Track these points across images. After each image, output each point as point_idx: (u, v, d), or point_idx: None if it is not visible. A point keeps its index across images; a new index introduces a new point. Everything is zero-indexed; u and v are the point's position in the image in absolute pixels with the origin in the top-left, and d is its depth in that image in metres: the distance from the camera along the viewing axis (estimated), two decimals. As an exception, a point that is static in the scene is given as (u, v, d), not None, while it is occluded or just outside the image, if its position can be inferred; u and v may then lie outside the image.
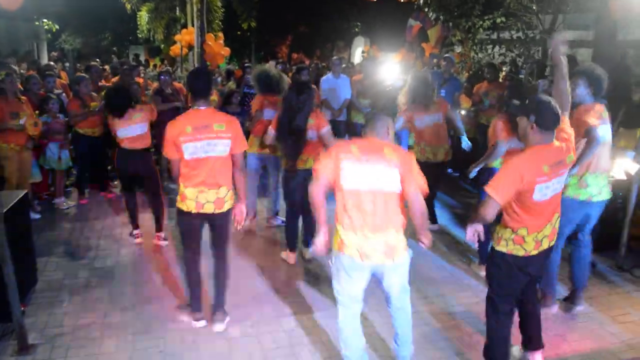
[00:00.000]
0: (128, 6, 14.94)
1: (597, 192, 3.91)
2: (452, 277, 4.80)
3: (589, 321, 4.07)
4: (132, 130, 5.22)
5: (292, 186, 4.90)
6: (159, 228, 5.46)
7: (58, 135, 6.27)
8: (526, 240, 3.05)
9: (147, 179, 5.34)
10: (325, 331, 3.84)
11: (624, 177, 5.13)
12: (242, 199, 3.87)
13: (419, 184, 3.04)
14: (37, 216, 6.01)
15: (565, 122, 3.26)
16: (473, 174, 4.69)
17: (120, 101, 5.20)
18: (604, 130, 3.84)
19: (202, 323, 3.87)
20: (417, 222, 3.11)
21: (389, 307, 3.32)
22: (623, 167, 5.17)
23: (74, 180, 7.04)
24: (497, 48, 9.90)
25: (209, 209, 3.67)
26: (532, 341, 3.45)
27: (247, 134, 6.46)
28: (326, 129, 4.79)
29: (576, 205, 3.90)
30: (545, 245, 3.12)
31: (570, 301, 4.21)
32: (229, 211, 3.80)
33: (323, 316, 4.02)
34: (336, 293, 3.25)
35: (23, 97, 5.79)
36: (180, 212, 3.74)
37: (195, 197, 3.64)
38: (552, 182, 2.96)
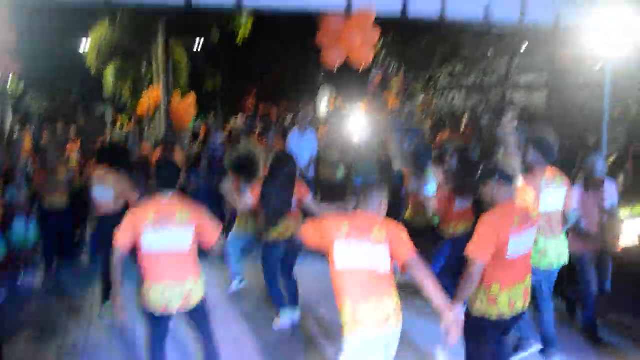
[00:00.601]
0: (93, 69, 14.95)
1: (556, 256, 4.07)
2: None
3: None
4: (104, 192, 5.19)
5: (275, 257, 4.92)
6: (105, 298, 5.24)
7: (20, 209, 6.15)
8: (499, 299, 3.14)
9: None
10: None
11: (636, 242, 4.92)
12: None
13: (409, 250, 3.03)
14: (0, 300, 5.78)
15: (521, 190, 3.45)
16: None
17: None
18: (551, 196, 4.01)
19: None
20: (431, 296, 2.97)
21: None
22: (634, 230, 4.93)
23: (41, 254, 6.85)
24: (457, 95, 10.22)
25: (173, 306, 3.47)
26: None
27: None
28: (309, 198, 4.81)
29: (539, 272, 4.02)
30: (519, 307, 3.23)
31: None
32: (199, 304, 3.62)
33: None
34: None
35: None
36: (146, 312, 3.56)
37: (161, 293, 3.44)
38: (524, 235, 3.15)
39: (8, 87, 20.50)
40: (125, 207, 5.19)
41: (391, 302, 3.02)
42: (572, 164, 5.85)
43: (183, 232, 3.50)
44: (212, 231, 3.65)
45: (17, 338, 4.93)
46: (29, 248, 6.34)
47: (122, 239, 3.47)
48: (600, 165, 4.52)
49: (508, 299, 3.16)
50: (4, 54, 4.59)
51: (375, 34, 5.37)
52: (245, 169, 5.30)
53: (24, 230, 6.18)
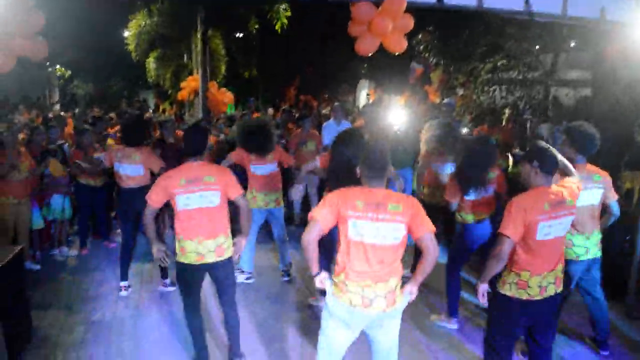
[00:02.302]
0: (134, 55, 15.26)
1: (584, 252, 3.94)
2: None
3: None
4: (130, 169, 5.30)
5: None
6: (163, 274, 5.49)
7: (62, 187, 6.32)
8: (530, 284, 3.16)
9: None
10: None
11: None
12: (244, 234, 3.93)
13: (429, 228, 2.92)
14: (37, 267, 6.01)
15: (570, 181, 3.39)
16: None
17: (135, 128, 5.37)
18: (586, 192, 3.82)
19: None
20: (422, 268, 2.93)
21: None
22: None
23: (76, 230, 7.05)
24: (498, 91, 9.95)
25: (210, 258, 3.75)
26: None
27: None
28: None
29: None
30: (550, 291, 3.22)
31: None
32: (229, 259, 3.87)
33: None
34: (324, 346, 3.12)
35: (22, 148, 5.87)
36: (181, 266, 3.79)
37: (195, 248, 3.71)
38: (554, 222, 3.12)
39: (57, 72, 21.23)
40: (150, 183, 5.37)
41: (396, 282, 2.96)
42: (618, 162, 5.62)
43: (210, 193, 3.72)
44: (236, 189, 3.84)
45: (46, 307, 5.06)
46: (64, 223, 6.53)
47: (154, 197, 3.73)
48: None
49: (539, 284, 3.17)
50: (33, 38, 4.66)
51: (408, 21, 5.24)
52: (254, 137, 5.26)
53: (61, 206, 6.34)
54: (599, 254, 4.04)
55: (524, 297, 3.18)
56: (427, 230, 2.88)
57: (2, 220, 5.63)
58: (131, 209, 5.29)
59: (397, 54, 5.72)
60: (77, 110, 14.53)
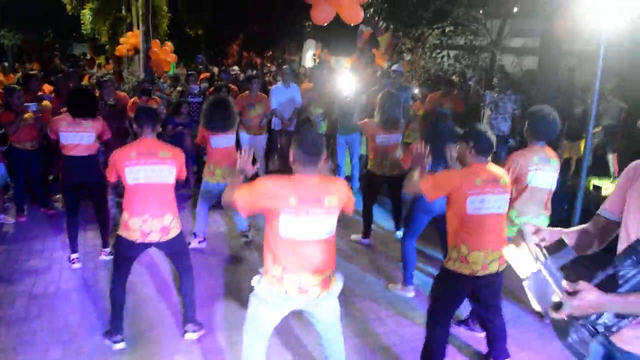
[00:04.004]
0: (69, 7, 14.32)
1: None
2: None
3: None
4: (79, 137, 5.11)
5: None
6: (104, 244, 5.34)
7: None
8: (469, 259, 3.26)
9: (94, 187, 5.20)
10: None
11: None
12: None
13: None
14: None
15: None
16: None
17: (84, 103, 5.11)
18: (544, 174, 3.99)
19: (121, 345, 3.83)
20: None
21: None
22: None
23: (11, 196, 6.68)
24: (445, 58, 10.03)
25: (154, 237, 3.72)
26: (498, 351, 3.64)
27: (196, 147, 6.37)
28: None
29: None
30: (493, 268, 3.31)
31: None
32: (177, 237, 3.84)
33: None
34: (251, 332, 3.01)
35: None
36: (122, 240, 3.72)
37: (140, 227, 3.65)
38: (487, 197, 3.22)
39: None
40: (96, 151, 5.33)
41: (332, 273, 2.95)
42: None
43: (164, 168, 3.71)
44: (184, 170, 3.92)
45: (-16, 281, 4.80)
46: (-1, 188, 6.15)
47: (110, 175, 3.76)
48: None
49: (480, 260, 3.26)
50: None
51: (364, -9, 5.17)
52: (217, 115, 5.27)
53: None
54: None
55: (467, 272, 3.28)
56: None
57: None
58: (76, 177, 5.08)
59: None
60: (5, 64, 13.57)
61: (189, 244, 5.43)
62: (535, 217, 4.10)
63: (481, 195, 3.21)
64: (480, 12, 9.54)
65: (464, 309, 4.03)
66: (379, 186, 5.85)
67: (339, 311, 3.11)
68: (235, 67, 14.24)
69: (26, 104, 5.97)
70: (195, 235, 5.67)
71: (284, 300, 2.88)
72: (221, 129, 5.34)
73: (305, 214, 2.73)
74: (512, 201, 3.82)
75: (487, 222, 3.27)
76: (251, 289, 2.96)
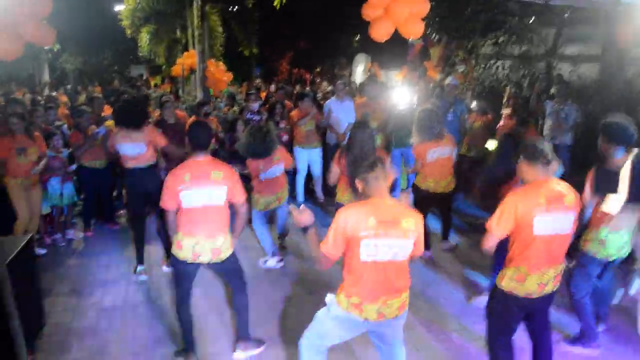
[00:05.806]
0: (128, 31, 14.97)
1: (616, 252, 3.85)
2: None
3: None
4: (131, 149, 5.24)
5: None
6: (168, 255, 5.42)
7: (58, 170, 6.20)
8: (527, 279, 3.12)
9: (158, 196, 5.33)
10: None
11: None
12: (235, 235, 3.87)
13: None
14: (43, 251, 5.95)
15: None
16: None
17: (128, 114, 5.23)
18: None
19: None
20: None
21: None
22: None
23: (78, 212, 6.97)
24: (500, 68, 9.87)
25: (205, 258, 3.70)
26: None
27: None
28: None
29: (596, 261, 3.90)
30: (549, 288, 3.19)
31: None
32: (229, 257, 3.81)
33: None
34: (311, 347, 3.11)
35: (36, 134, 5.78)
36: (175, 258, 3.73)
37: (192, 247, 3.65)
38: (552, 216, 3.03)
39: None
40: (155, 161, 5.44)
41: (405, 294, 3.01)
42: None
43: (217, 190, 3.64)
44: (241, 192, 3.77)
45: (56, 293, 5.02)
46: (65, 207, 6.42)
47: (166, 200, 3.68)
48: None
49: (537, 281, 3.13)
50: (40, 24, 4.53)
51: (424, 5, 5.10)
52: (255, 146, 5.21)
53: (59, 191, 6.23)
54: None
55: (521, 294, 3.15)
56: None
57: (15, 202, 5.57)
58: (139, 189, 5.25)
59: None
60: (68, 87, 14.26)
61: (265, 262, 5.60)
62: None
63: (546, 214, 3.01)
64: (531, 21, 9.37)
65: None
66: (431, 202, 5.77)
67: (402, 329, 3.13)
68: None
69: (96, 130, 6.23)
70: (274, 254, 5.65)
71: (362, 326, 2.95)
72: (256, 157, 5.30)
73: (383, 236, 2.80)
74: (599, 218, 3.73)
75: (552, 243, 3.10)
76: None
